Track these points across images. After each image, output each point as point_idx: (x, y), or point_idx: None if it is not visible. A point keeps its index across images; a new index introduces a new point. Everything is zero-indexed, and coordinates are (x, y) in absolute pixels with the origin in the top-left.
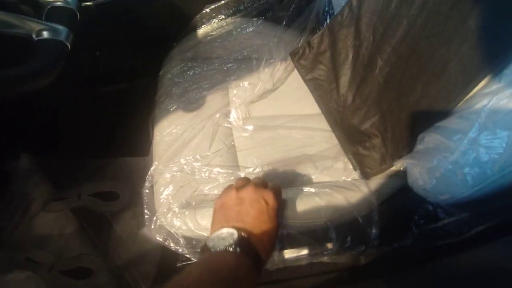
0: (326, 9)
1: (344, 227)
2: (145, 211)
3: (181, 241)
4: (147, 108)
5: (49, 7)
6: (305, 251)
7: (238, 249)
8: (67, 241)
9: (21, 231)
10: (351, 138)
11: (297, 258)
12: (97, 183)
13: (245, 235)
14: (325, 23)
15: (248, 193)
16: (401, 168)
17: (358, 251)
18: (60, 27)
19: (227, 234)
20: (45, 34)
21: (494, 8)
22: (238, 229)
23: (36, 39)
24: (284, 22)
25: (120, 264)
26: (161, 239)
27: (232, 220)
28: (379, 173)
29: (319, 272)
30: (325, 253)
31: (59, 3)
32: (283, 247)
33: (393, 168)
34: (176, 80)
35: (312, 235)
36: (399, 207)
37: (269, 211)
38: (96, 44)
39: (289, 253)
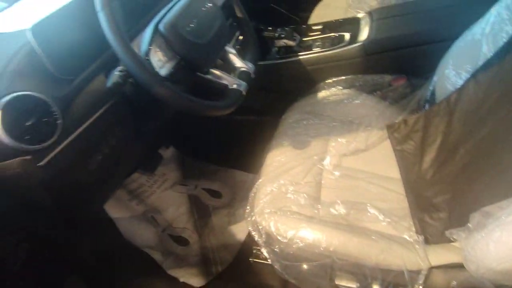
0: (427, 98)
1: (390, 275)
2: (248, 207)
3: (263, 236)
4: (266, 139)
5: (240, 70)
6: (353, 285)
7: None
8: (179, 215)
9: (154, 197)
10: (421, 206)
11: None
12: (210, 182)
13: None
14: (424, 109)
15: None
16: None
17: None
18: (243, 83)
19: None
20: (235, 86)
21: None
22: None
23: (230, 87)
24: (389, 101)
25: (208, 246)
26: (251, 229)
27: None
28: (438, 243)
29: None
30: None
31: (245, 69)
32: (334, 276)
33: (453, 243)
34: (293, 124)
35: (361, 271)
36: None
37: None
38: None
39: (339, 282)
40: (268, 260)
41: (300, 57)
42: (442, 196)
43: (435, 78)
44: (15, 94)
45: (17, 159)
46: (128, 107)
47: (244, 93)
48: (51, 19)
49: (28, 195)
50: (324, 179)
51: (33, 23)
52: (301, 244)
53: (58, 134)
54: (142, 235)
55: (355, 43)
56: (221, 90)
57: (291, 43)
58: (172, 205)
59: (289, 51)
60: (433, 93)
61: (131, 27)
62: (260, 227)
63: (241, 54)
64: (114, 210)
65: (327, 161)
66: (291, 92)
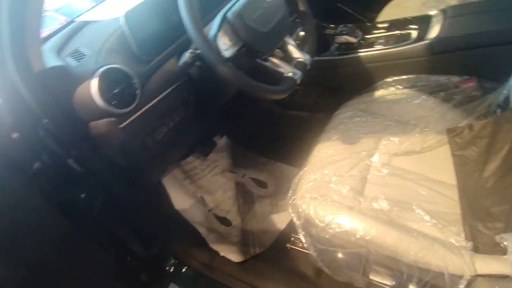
0: (500, 103)
1: (428, 275)
2: (290, 191)
3: (302, 219)
4: (316, 135)
5: (297, 60)
6: (387, 282)
7: None
8: (225, 199)
9: (205, 180)
10: (475, 214)
11: (379, 285)
12: (258, 172)
13: None
14: (494, 114)
15: None
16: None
17: None
18: (298, 72)
19: None
20: (290, 74)
21: None
22: None
23: (285, 75)
24: (453, 103)
25: (248, 229)
26: (291, 212)
27: None
28: (488, 253)
29: None
30: None
31: (301, 59)
32: (369, 270)
33: (504, 256)
34: (345, 120)
35: (397, 267)
36: None
37: None
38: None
39: (373, 277)
40: (305, 246)
41: (360, 54)
42: (501, 206)
43: (511, 82)
44: (108, 66)
45: (104, 120)
46: (192, 89)
47: (298, 81)
48: (139, 8)
49: (107, 153)
50: (370, 175)
51: (125, 11)
52: (338, 230)
53: (136, 103)
54: (191, 211)
55: (422, 41)
56: (276, 77)
57: (352, 39)
58: (220, 189)
59: (349, 48)
60: (507, 98)
61: (204, 16)
62: (299, 210)
63: (300, 47)
64: (170, 185)
65: (375, 158)
66: (347, 90)
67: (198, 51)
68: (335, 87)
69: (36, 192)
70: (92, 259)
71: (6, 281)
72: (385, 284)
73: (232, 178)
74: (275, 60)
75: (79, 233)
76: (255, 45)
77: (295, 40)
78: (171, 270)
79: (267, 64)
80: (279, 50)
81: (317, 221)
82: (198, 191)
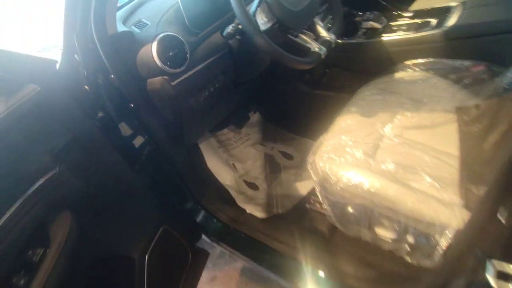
0: (506, 86)
1: (422, 225)
2: (311, 153)
3: (319, 176)
4: (338, 108)
5: (323, 38)
6: (389, 235)
7: None
8: (254, 167)
9: (237, 150)
10: (471, 179)
11: (380, 239)
12: (285, 146)
13: None
14: (500, 95)
15: None
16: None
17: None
18: (324, 48)
19: None
20: (316, 49)
21: None
22: None
23: (312, 50)
24: (462, 85)
25: (273, 193)
26: (309, 168)
27: None
28: (479, 213)
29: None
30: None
31: (327, 38)
32: (374, 224)
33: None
34: (365, 97)
35: (396, 218)
36: None
37: None
38: (329, 64)
39: (378, 230)
40: (322, 207)
41: (383, 38)
42: (496, 174)
43: None
44: (166, 33)
45: (159, 77)
46: (231, 61)
47: (323, 56)
48: None
49: (158, 107)
50: (383, 143)
51: None
52: (348, 184)
53: (186, 65)
54: (223, 174)
55: (440, 28)
56: (304, 52)
57: (377, 25)
58: (250, 159)
59: (374, 33)
60: None
61: None
62: (317, 167)
63: (327, 28)
64: (206, 150)
65: (389, 129)
66: (370, 72)
67: (240, 26)
68: (359, 70)
69: (100, 133)
70: (138, 200)
71: (81, 190)
72: (387, 237)
73: (261, 150)
74: (304, 37)
75: (131, 172)
76: (287, 22)
77: (323, 21)
78: (202, 223)
79: (297, 40)
80: (308, 29)
81: (331, 176)
82: (230, 159)
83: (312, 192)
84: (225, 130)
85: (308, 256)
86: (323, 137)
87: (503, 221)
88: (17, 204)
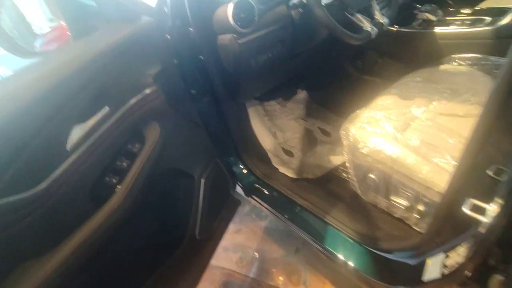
0: None
1: (433, 195)
2: (346, 121)
3: (349, 140)
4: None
5: (376, 20)
6: (403, 202)
7: None
8: (293, 138)
9: (280, 121)
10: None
11: (393, 206)
12: (325, 124)
13: None
14: None
15: None
16: None
17: None
18: (375, 29)
19: None
20: (368, 29)
21: None
22: None
23: (364, 29)
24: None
25: (306, 162)
26: (342, 132)
27: None
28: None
29: None
30: (411, 213)
31: (380, 20)
32: (390, 193)
33: None
34: (407, 83)
35: (410, 187)
36: None
37: None
38: (381, 53)
39: (393, 198)
40: (347, 176)
41: (436, 30)
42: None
43: None
44: None
45: (229, 34)
46: (291, 31)
47: (373, 36)
48: None
49: (223, 59)
50: (414, 123)
51: None
52: (373, 149)
53: (253, 28)
54: (264, 139)
55: (492, 26)
56: (356, 30)
57: (432, 17)
58: (290, 130)
59: (429, 24)
60: None
61: None
62: (349, 133)
63: (382, 12)
64: (253, 115)
65: (422, 111)
66: (418, 62)
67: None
68: (409, 59)
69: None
70: (201, 131)
71: (167, 107)
72: (400, 204)
73: (302, 124)
74: (359, 16)
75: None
76: (346, 1)
77: (379, 5)
78: (239, 174)
79: (352, 18)
80: (365, 10)
81: (360, 142)
82: (273, 127)
83: (341, 165)
84: (272, 102)
85: (329, 215)
86: (360, 110)
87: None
88: (126, 106)
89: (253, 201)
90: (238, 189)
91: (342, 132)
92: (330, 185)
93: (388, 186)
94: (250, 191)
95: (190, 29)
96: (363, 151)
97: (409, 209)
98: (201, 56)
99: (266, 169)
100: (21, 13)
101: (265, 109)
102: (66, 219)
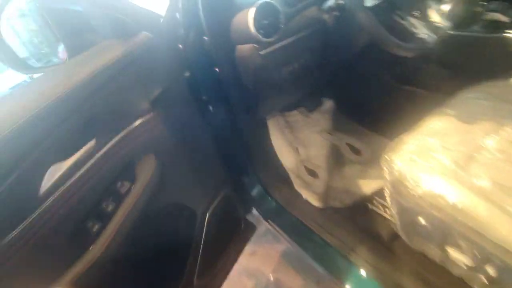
0: None
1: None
2: (388, 149)
3: (393, 176)
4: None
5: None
6: (464, 259)
7: None
8: (317, 155)
9: (303, 135)
10: None
11: (452, 262)
12: (354, 139)
13: None
14: None
15: None
16: None
17: None
18: (433, 36)
19: None
20: (424, 36)
21: None
22: None
23: (418, 36)
24: None
25: (333, 185)
26: (384, 165)
27: None
28: None
29: None
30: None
31: (440, 24)
32: (448, 243)
33: None
34: (468, 100)
35: (480, 245)
36: None
37: None
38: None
39: (451, 251)
40: (385, 211)
41: (509, 35)
42: None
43: None
44: (266, 0)
45: (249, 45)
46: (322, 38)
47: (431, 45)
48: None
49: (242, 73)
50: (480, 155)
51: None
52: (430, 192)
53: (278, 36)
54: (285, 156)
55: None
56: (406, 36)
57: (504, 18)
58: (314, 146)
59: (498, 27)
60: None
61: None
62: (394, 166)
63: (441, 13)
64: (273, 127)
65: (491, 141)
66: (479, 74)
67: (342, 1)
68: (465, 69)
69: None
70: (208, 159)
71: (167, 137)
72: (461, 262)
73: (328, 139)
74: (412, 20)
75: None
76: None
77: (438, 4)
78: (257, 197)
79: (404, 22)
80: (418, 10)
81: (409, 179)
82: (294, 142)
83: (376, 193)
84: (294, 112)
85: (359, 257)
86: (406, 134)
87: None
88: (116, 139)
89: (269, 226)
90: (254, 211)
91: (384, 163)
92: (361, 218)
93: (445, 236)
94: (268, 216)
95: (205, 38)
96: (414, 194)
97: (474, 269)
98: (216, 69)
99: (287, 193)
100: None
101: (286, 120)
102: (33, 278)
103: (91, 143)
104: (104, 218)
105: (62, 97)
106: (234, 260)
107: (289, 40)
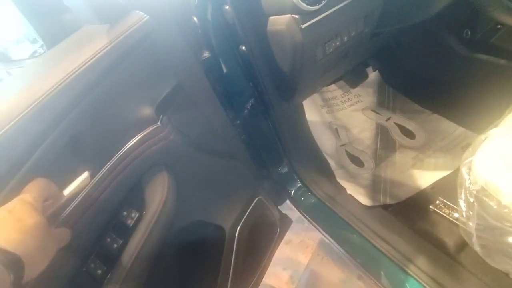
0: None
1: None
2: (470, 149)
3: (477, 185)
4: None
5: None
6: None
7: None
8: (361, 138)
9: (343, 113)
10: None
11: None
12: (406, 119)
13: None
14: None
15: None
16: None
17: None
18: None
19: None
20: None
21: None
22: None
23: None
24: None
25: (382, 176)
26: (463, 170)
27: None
28: None
29: None
30: None
31: None
32: None
33: None
34: None
35: None
36: None
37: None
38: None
39: None
40: (451, 213)
41: None
42: None
43: None
44: None
45: (287, 15)
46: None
47: None
48: None
49: (275, 52)
50: None
51: None
52: None
53: (325, 2)
54: (323, 140)
55: None
56: None
57: None
58: (357, 126)
59: None
60: None
61: None
62: (478, 173)
63: None
64: (309, 109)
65: None
66: None
67: None
68: None
69: (204, 80)
70: (235, 166)
71: (180, 147)
72: None
73: (373, 118)
74: None
75: (231, 129)
76: None
77: None
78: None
79: None
80: None
81: (502, 192)
82: (333, 123)
83: (436, 187)
84: (332, 86)
85: (419, 270)
86: (494, 130)
87: None
88: (114, 160)
89: (307, 224)
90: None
91: (464, 167)
92: (423, 223)
93: None
94: (307, 212)
95: (226, 7)
96: (504, 210)
97: None
98: (243, 47)
99: (329, 188)
100: None
101: (323, 98)
102: None
103: (83, 176)
104: (110, 259)
105: (34, 111)
106: (268, 264)
107: (339, 6)
